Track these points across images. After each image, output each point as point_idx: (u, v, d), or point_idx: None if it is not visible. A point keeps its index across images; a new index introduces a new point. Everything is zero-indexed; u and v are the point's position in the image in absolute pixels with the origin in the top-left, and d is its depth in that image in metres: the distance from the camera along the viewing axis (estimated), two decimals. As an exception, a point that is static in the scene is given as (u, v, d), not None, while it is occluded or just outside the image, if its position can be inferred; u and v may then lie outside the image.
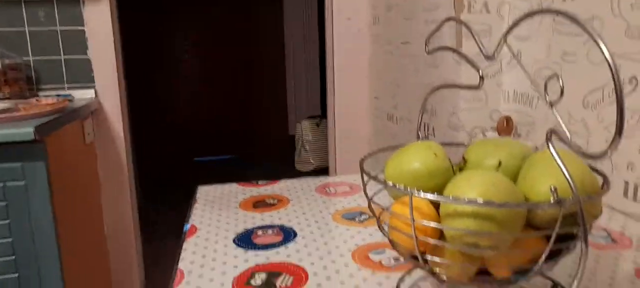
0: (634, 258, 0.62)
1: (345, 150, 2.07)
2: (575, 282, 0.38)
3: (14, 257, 1.19)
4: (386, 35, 1.73)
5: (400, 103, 1.62)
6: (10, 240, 1.19)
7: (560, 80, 0.40)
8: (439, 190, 0.48)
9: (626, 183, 0.76)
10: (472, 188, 0.41)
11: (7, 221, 1.18)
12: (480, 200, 0.38)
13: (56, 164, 1.28)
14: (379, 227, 0.48)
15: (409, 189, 0.40)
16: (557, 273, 0.56)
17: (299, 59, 3.99)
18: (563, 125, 0.39)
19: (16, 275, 1.20)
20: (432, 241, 0.43)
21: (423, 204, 0.45)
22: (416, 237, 0.42)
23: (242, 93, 4.25)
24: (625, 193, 0.76)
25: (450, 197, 0.40)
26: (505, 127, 1.01)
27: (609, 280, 0.57)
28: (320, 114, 2.54)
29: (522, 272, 0.43)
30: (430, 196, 0.40)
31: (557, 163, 0.36)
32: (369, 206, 0.48)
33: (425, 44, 0.57)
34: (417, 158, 0.49)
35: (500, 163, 0.46)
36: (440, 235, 0.44)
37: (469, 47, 1.12)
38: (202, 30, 4.10)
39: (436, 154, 0.49)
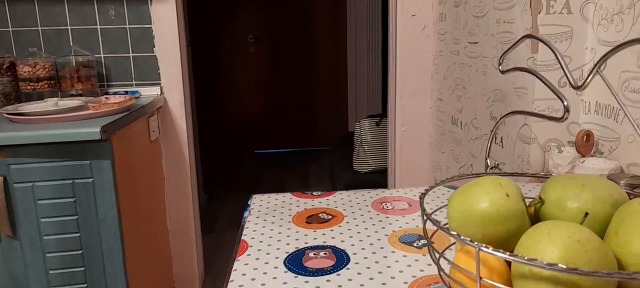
0: None
1: (405, 152, 2.00)
2: None
3: (81, 251, 1.25)
4: (453, 33, 1.64)
5: (466, 107, 1.53)
6: (78, 235, 1.24)
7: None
8: (511, 236, 0.43)
9: None
10: (552, 245, 0.35)
11: (75, 217, 1.24)
12: (562, 266, 0.32)
13: (122, 161, 1.33)
14: (441, 278, 0.43)
15: (476, 244, 0.35)
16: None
17: (361, 56, 3.93)
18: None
19: (83, 268, 1.26)
20: (501, 302, 0.37)
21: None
22: (482, 296, 0.37)
23: (302, 88, 4.26)
24: None
25: (525, 258, 0.34)
26: (585, 143, 0.91)
27: None
28: (381, 113, 2.47)
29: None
30: (501, 255, 0.34)
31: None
32: (429, 251, 0.44)
33: (499, 63, 0.51)
34: (486, 197, 0.44)
35: (586, 215, 0.40)
36: (511, 291, 0.39)
37: (544, 53, 1.02)
38: (264, 26, 4.14)
39: (508, 194, 0.44)
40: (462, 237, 0.37)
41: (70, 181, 1.23)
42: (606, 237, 0.39)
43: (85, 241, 1.26)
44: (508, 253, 0.34)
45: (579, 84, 0.39)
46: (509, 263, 0.39)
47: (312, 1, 4.11)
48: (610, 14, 0.94)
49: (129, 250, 1.34)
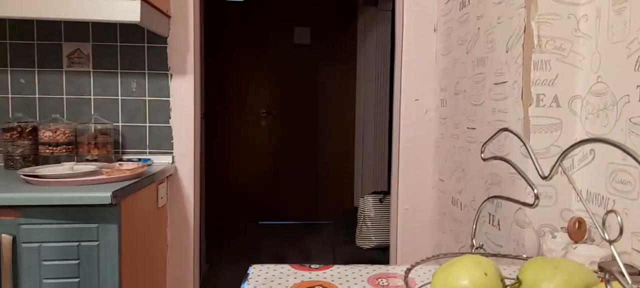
0: None
1: (407, 230, 2.02)
2: None
3: (80, 314, 1.26)
4: (453, 118, 1.71)
5: (465, 189, 1.57)
6: (78, 297, 1.26)
7: (619, 218, 0.38)
8: (488, 314, 0.46)
9: None
10: (519, 322, 0.38)
11: (77, 279, 1.26)
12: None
13: (128, 226, 1.37)
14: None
15: (449, 316, 0.39)
16: None
17: (369, 134, 4.04)
18: (622, 267, 0.36)
19: (80, 332, 1.27)
20: None
21: (468, 329, 0.43)
22: None
23: (310, 162, 4.35)
24: None
25: (494, 332, 0.38)
26: (577, 230, 0.94)
27: None
28: (386, 190, 2.51)
29: None
30: (471, 328, 0.38)
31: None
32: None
33: (481, 151, 0.56)
34: (466, 275, 0.47)
35: (554, 296, 0.43)
36: None
37: (535, 142, 1.08)
38: (278, 101, 4.30)
39: (487, 273, 0.47)
40: (438, 310, 0.41)
41: (77, 243, 1.26)
42: (574, 318, 0.42)
43: (85, 304, 1.27)
44: (478, 326, 0.38)
45: (546, 174, 0.44)
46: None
47: (324, 80, 4.29)
48: (596, 110, 1.00)
49: (127, 317, 1.35)
